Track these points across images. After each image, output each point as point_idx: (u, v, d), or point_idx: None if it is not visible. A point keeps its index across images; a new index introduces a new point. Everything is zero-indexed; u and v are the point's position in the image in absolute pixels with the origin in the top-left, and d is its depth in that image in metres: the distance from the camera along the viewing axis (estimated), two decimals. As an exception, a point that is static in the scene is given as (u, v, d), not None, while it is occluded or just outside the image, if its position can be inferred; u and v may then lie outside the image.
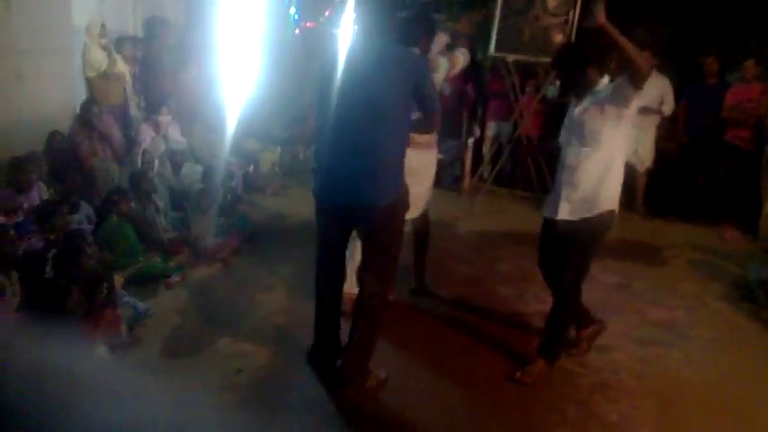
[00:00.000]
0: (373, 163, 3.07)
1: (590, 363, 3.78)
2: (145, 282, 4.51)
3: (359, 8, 3.29)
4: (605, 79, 3.48)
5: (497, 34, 7.05)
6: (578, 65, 3.45)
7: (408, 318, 4.24)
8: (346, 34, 9.44)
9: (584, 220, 3.43)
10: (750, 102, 6.79)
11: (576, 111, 3.45)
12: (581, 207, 3.43)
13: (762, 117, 6.71)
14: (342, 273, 3.43)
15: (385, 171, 3.11)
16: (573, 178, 3.44)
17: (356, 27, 3.28)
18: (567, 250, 3.49)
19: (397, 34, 3.32)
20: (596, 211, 3.41)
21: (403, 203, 3.29)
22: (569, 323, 3.72)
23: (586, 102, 3.42)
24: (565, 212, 3.47)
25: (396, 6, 3.45)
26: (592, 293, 4.53)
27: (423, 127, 3.38)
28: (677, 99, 7.12)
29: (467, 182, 8.03)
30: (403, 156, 3.19)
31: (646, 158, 7.11)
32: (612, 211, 3.47)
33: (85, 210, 4.94)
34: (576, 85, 3.50)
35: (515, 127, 7.72)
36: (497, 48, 7.08)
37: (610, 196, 3.44)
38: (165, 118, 6.52)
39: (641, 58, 3.16)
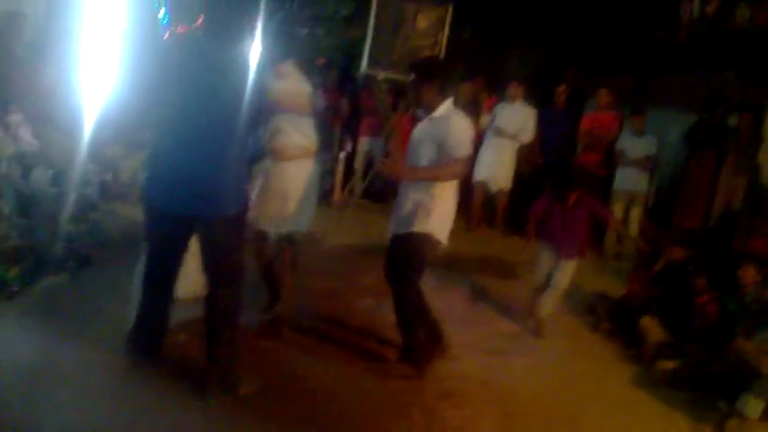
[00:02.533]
0: (218, 170, 3.00)
1: (438, 371, 3.88)
2: (-19, 291, 4.19)
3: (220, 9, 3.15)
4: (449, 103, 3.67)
5: (369, 51, 7.19)
6: (426, 76, 3.65)
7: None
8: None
9: (403, 236, 3.74)
10: (602, 128, 7.30)
11: (416, 130, 3.67)
12: (401, 224, 3.74)
13: (612, 143, 7.23)
14: (173, 279, 3.30)
15: (230, 179, 3.05)
16: (401, 195, 3.78)
17: (208, 26, 3.14)
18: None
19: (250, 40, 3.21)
20: (410, 230, 3.67)
21: (245, 211, 3.25)
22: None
23: (424, 124, 3.66)
24: (393, 227, 3.83)
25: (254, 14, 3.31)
26: (447, 305, 4.74)
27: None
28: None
29: (336, 195, 8.08)
30: (242, 163, 3.19)
31: (501, 180, 7.43)
32: (426, 236, 3.68)
33: None
34: (421, 97, 3.66)
35: (386, 143, 7.86)
36: (369, 65, 7.22)
37: (427, 218, 3.66)
38: (14, 117, 6.12)
39: (441, 172, 3.60)
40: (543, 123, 7.57)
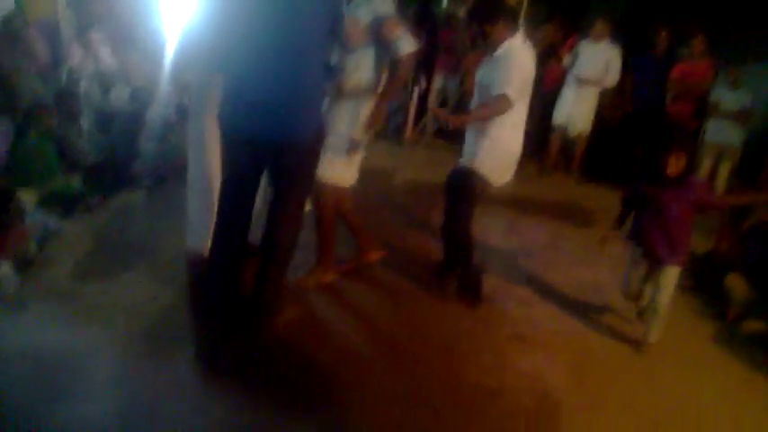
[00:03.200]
0: (295, 96, 2.85)
1: (509, 315, 3.79)
2: (63, 203, 4.29)
3: None
4: (516, 40, 3.50)
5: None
6: (486, 15, 3.49)
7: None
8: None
9: (458, 170, 3.77)
10: (695, 77, 6.87)
11: (479, 69, 3.58)
12: (462, 158, 3.77)
13: (704, 93, 6.81)
14: (250, 216, 3.11)
15: (307, 105, 2.92)
16: (467, 132, 3.77)
17: None
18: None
19: None
20: (464, 165, 3.70)
21: (322, 141, 3.12)
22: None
23: (485, 63, 3.58)
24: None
25: None
26: (519, 251, 4.61)
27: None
28: (625, 70, 7.14)
29: (408, 132, 7.94)
30: (323, 90, 3.05)
31: (579, 123, 7.10)
32: (477, 174, 3.66)
33: (4, 125, 4.64)
34: (485, 39, 3.51)
35: (462, 82, 7.63)
36: (451, 0, 6.94)
37: (481, 157, 3.62)
38: (95, 37, 6.14)
39: (483, 112, 3.56)
40: (638, 70, 7.18)
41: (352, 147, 3.47)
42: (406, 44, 3.32)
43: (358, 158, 3.60)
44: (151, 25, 6.79)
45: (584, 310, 4.08)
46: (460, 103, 7.65)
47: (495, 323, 3.69)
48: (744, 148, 6.96)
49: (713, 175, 6.67)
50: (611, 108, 7.48)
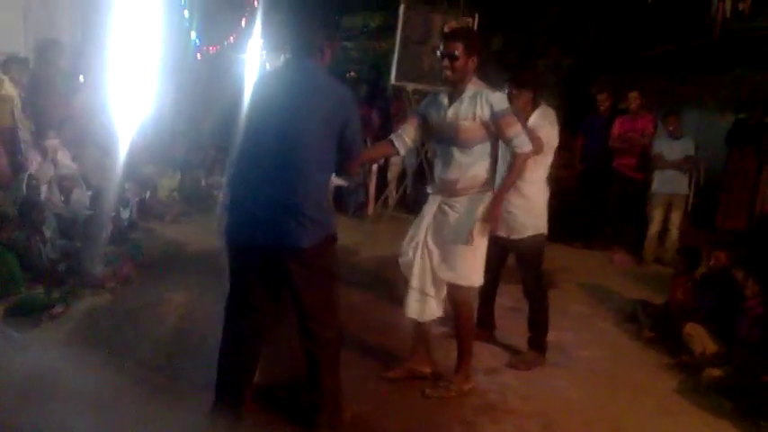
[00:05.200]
0: (299, 199, 2.81)
1: (478, 385, 3.84)
2: (27, 313, 4.28)
3: (283, 27, 3.12)
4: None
5: (397, 63, 7.22)
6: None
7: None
8: (252, 59, 9.53)
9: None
10: (634, 132, 7.18)
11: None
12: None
13: (647, 146, 7.11)
14: (258, 333, 3.06)
15: (312, 208, 2.83)
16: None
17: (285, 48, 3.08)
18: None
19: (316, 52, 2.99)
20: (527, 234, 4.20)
21: (334, 242, 3.03)
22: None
23: None
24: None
25: (322, 24, 3.11)
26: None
27: (339, 173, 3.16)
28: (573, 130, 7.46)
29: (371, 208, 8.10)
30: (326, 192, 3.00)
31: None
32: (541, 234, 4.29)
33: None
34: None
35: (418, 152, 7.86)
36: (398, 77, 7.24)
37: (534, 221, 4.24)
38: (52, 142, 6.27)
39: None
40: (586, 130, 7.52)
41: (470, 241, 3.47)
42: (525, 141, 3.48)
43: (483, 254, 3.61)
44: (107, 125, 6.96)
45: (551, 371, 4.16)
46: (420, 173, 7.85)
47: (463, 395, 3.73)
48: (696, 193, 7.25)
49: (665, 224, 6.90)
50: (562, 167, 7.76)
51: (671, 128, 6.92)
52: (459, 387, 3.68)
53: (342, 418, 3.20)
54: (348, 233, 6.93)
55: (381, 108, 8.81)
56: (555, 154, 7.33)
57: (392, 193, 8.14)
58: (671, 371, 4.29)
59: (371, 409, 3.48)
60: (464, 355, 3.72)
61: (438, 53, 3.53)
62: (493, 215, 3.50)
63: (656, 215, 6.91)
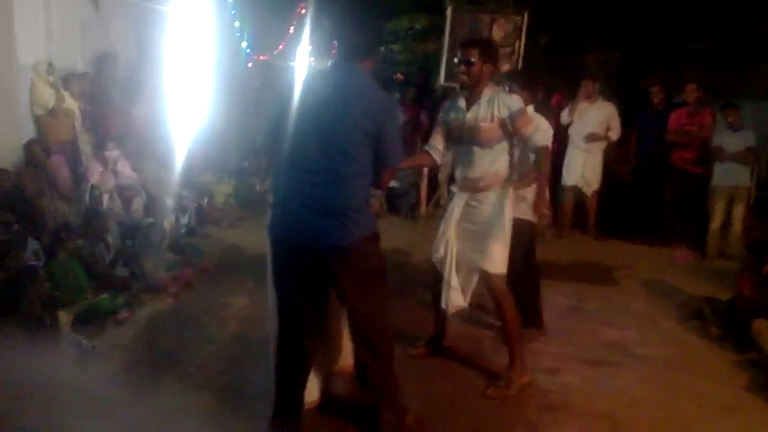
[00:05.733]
0: (339, 201, 2.84)
1: (540, 384, 3.80)
2: (93, 319, 4.41)
3: (331, 31, 3.24)
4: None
5: (446, 64, 7.21)
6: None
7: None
8: (300, 67, 9.64)
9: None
10: (692, 125, 7.00)
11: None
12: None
13: (706, 140, 6.91)
14: (308, 336, 3.07)
15: (352, 209, 2.86)
16: None
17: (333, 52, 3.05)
18: None
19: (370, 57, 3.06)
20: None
21: (376, 241, 3.03)
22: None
23: None
24: None
25: (367, 28, 3.21)
26: (545, 315, 4.63)
27: (374, 183, 3.04)
28: (628, 125, 7.33)
29: (422, 209, 8.09)
30: (369, 194, 3.02)
31: (593, 181, 7.28)
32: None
33: (33, 246, 4.84)
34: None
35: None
36: (447, 77, 7.22)
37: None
38: (112, 153, 6.45)
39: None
40: (640, 125, 7.38)
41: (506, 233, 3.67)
42: (541, 137, 3.65)
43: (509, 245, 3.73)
44: (164, 135, 7.14)
45: (614, 370, 4.08)
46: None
47: (525, 395, 3.69)
48: (758, 185, 7.03)
49: (728, 217, 6.70)
50: (618, 163, 7.63)
51: (730, 119, 6.73)
52: (517, 381, 3.70)
53: (404, 420, 3.20)
54: (401, 234, 6.97)
55: (430, 109, 8.78)
56: (612, 150, 7.33)
57: (443, 193, 8.10)
58: (740, 368, 4.15)
59: (433, 411, 3.46)
60: (514, 346, 3.76)
61: (455, 60, 3.72)
62: (540, 210, 3.74)
63: (718, 209, 6.70)
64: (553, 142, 4.16)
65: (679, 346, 4.53)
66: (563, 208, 7.38)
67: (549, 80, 7.90)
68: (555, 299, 5.13)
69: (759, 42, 7.57)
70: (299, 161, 2.89)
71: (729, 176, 6.69)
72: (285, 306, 3.06)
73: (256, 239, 6.27)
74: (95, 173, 6.26)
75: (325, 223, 2.84)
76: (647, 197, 7.37)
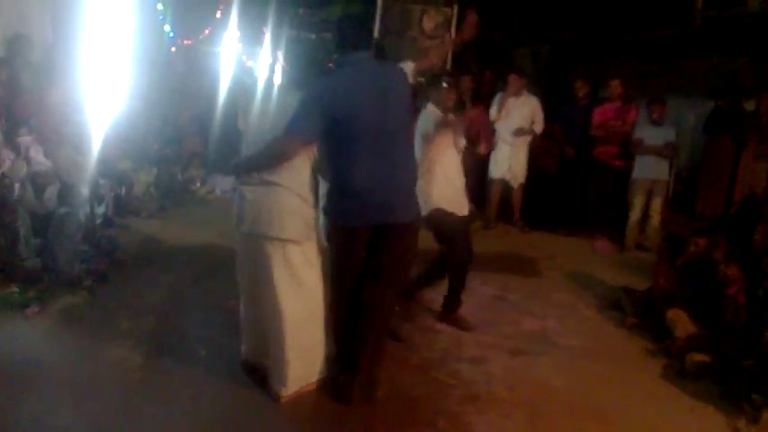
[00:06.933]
0: (405, 179, 3.29)
1: (463, 375, 3.82)
2: (0, 313, 4.18)
3: (340, 26, 3.39)
4: None
5: (375, 54, 7.12)
6: None
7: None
8: (227, 52, 9.39)
9: None
10: (615, 120, 7.18)
11: None
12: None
13: (628, 134, 7.09)
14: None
15: (414, 186, 3.37)
16: None
17: (338, 44, 3.31)
18: None
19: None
20: None
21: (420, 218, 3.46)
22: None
23: None
24: None
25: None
26: (469, 306, 4.67)
27: None
28: (552, 118, 7.46)
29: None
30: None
31: (519, 175, 7.40)
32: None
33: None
34: None
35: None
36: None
37: None
38: (24, 139, 6.10)
39: None
40: (564, 119, 7.51)
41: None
42: None
43: None
44: (79, 120, 6.81)
45: (535, 360, 4.14)
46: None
47: (448, 386, 3.70)
48: (676, 179, 7.29)
49: (646, 210, 6.92)
50: (545, 156, 7.74)
51: (655, 115, 6.90)
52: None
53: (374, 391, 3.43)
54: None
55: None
56: (537, 141, 7.44)
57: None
58: (655, 357, 4.27)
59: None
60: None
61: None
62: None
63: (638, 201, 6.91)
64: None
65: (597, 336, 4.64)
66: (490, 200, 7.47)
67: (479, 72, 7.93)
68: (480, 289, 5.18)
69: (679, 40, 7.81)
70: (370, 150, 3.15)
71: (649, 170, 6.90)
72: (350, 272, 3.33)
73: (176, 231, 6.12)
74: (6, 160, 5.91)
75: (398, 202, 3.25)
76: (572, 190, 7.53)
